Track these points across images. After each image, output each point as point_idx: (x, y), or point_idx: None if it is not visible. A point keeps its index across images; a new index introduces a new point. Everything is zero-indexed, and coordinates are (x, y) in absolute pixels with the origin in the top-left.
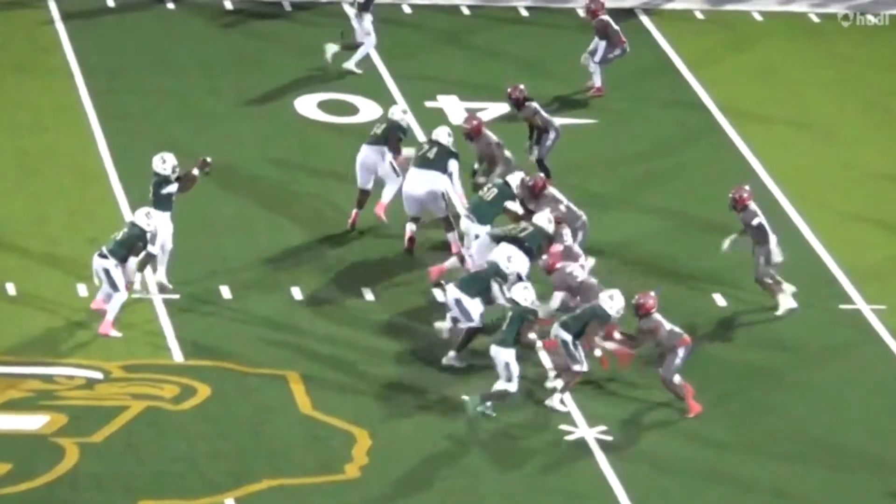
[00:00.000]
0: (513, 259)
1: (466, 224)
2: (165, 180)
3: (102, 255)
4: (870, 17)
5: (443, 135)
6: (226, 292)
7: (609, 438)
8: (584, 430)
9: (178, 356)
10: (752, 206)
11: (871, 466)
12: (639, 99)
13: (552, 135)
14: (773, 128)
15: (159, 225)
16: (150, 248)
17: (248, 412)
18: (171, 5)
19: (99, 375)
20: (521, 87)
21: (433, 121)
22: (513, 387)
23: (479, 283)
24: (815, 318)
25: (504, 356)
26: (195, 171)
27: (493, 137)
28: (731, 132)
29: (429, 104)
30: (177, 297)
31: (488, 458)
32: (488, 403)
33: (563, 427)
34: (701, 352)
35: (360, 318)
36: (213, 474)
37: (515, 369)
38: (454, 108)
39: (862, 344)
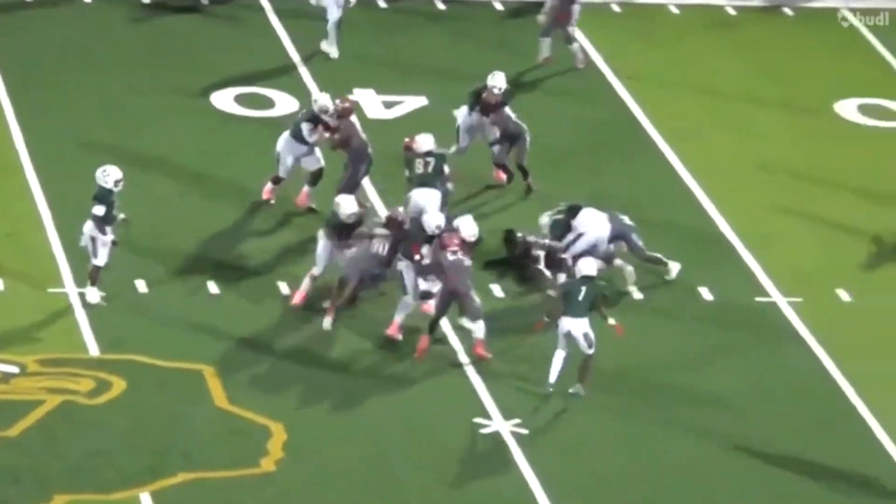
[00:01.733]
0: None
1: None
2: (108, 193)
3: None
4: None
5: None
6: (141, 286)
7: (524, 431)
8: (499, 424)
9: (93, 350)
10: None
11: (785, 452)
12: (555, 93)
13: (527, 137)
14: (689, 121)
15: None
16: (94, 261)
17: (164, 406)
18: (88, 0)
19: (14, 370)
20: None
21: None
22: (593, 350)
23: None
24: (732, 311)
25: (582, 327)
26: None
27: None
28: (648, 125)
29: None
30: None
31: (403, 452)
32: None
33: (478, 420)
34: (619, 342)
35: (276, 311)
36: (129, 468)
37: (592, 334)
38: (371, 101)
39: (778, 336)
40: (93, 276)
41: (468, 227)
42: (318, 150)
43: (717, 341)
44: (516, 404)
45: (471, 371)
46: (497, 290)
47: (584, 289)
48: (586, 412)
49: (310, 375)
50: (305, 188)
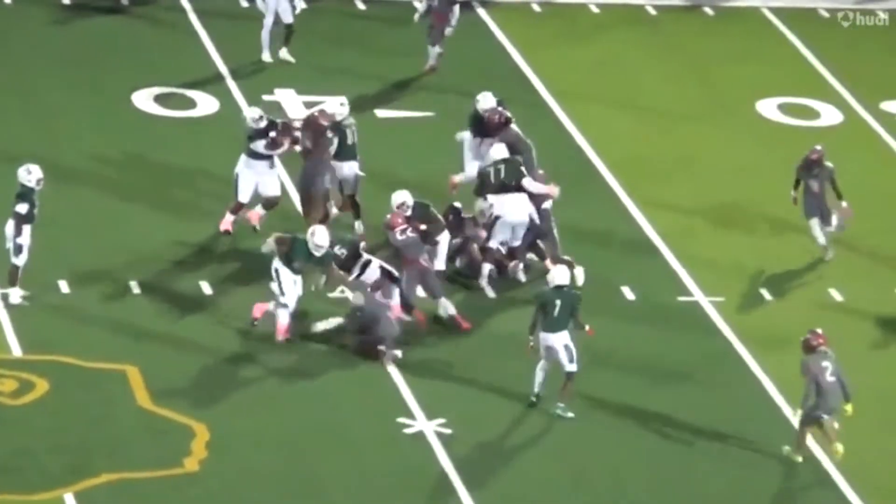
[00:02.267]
0: None
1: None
2: (31, 191)
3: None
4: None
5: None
6: (64, 286)
7: (448, 431)
8: (423, 423)
9: (16, 350)
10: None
11: (708, 451)
12: (476, 93)
13: (533, 152)
14: (610, 119)
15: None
16: (14, 260)
17: (87, 406)
18: (8, 0)
19: None
20: (501, 108)
21: (271, 115)
22: (575, 366)
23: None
24: (654, 311)
25: (562, 339)
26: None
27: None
28: (569, 124)
29: (266, 98)
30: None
31: (327, 451)
32: (560, 405)
33: (402, 420)
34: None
35: (199, 311)
36: (52, 468)
37: (573, 347)
38: (291, 101)
39: (700, 335)
40: (13, 276)
41: (398, 196)
42: (277, 172)
43: (640, 340)
44: (440, 404)
45: (394, 371)
46: (419, 290)
47: (559, 302)
48: (511, 414)
49: (233, 375)
50: (259, 208)
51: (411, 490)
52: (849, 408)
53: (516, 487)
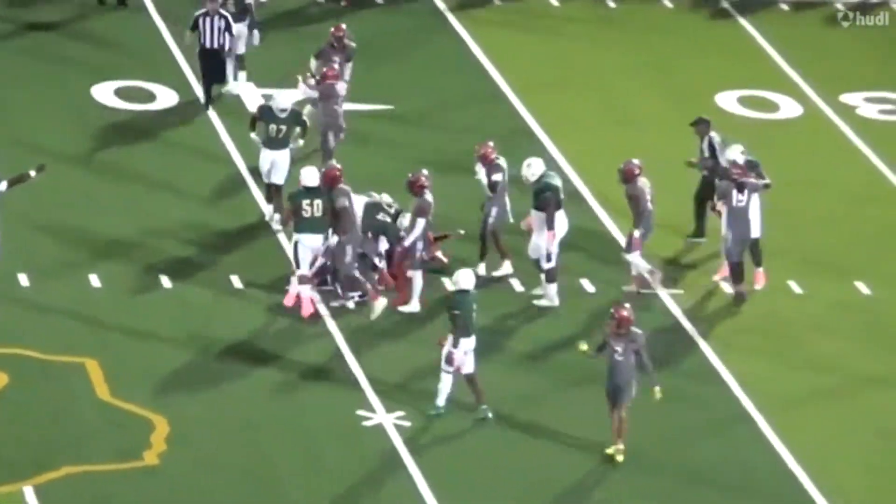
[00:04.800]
0: None
1: None
2: None
3: None
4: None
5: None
6: (23, 280)
7: (407, 424)
8: (382, 416)
9: None
10: (499, 162)
11: (671, 447)
12: (437, 90)
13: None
14: (570, 113)
15: None
16: None
17: (47, 399)
18: None
19: None
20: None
21: (230, 107)
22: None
23: None
24: (613, 303)
25: (473, 344)
26: (31, 173)
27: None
28: (530, 119)
29: (226, 90)
30: None
31: (286, 444)
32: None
33: (361, 413)
34: (500, 335)
35: (159, 304)
36: (12, 462)
37: None
38: (251, 94)
39: (660, 329)
40: None
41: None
42: (288, 159)
43: (599, 333)
44: (399, 397)
45: (354, 363)
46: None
47: (475, 306)
48: (470, 403)
49: (193, 367)
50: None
51: (370, 482)
52: (657, 392)
53: (475, 480)
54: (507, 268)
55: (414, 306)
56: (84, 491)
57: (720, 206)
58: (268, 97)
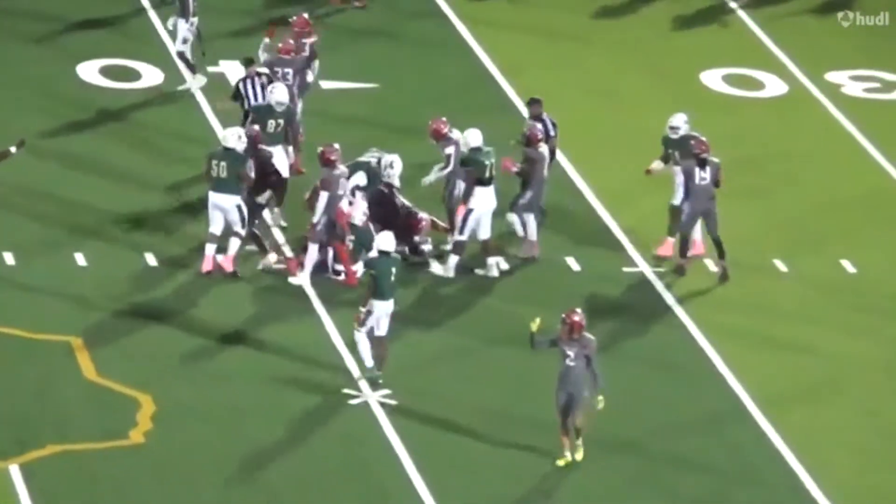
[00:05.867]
0: None
1: None
2: None
3: None
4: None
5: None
6: (9, 258)
7: (393, 402)
8: (368, 394)
9: None
10: (451, 135)
11: (651, 423)
12: (423, 70)
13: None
14: (554, 92)
15: None
16: None
17: (33, 378)
18: None
19: None
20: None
21: (217, 86)
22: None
23: None
24: (599, 281)
25: (391, 307)
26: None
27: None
28: (513, 95)
29: (211, 69)
30: None
31: (271, 423)
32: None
33: (347, 391)
34: (487, 316)
35: (144, 283)
36: None
37: None
38: (237, 73)
39: (643, 305)
40: None
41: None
42: (284, 153)
43: (587, 312)
44: (385, 375)
45: (339, 342)
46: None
47: (394, 270)
48: (456, 385)
49: (178, 346)
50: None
51: (355, 460)
52: (599, 401)
53: (460, 457)
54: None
55: (303, 279)
56: (70, 469)
57: (655, 166)
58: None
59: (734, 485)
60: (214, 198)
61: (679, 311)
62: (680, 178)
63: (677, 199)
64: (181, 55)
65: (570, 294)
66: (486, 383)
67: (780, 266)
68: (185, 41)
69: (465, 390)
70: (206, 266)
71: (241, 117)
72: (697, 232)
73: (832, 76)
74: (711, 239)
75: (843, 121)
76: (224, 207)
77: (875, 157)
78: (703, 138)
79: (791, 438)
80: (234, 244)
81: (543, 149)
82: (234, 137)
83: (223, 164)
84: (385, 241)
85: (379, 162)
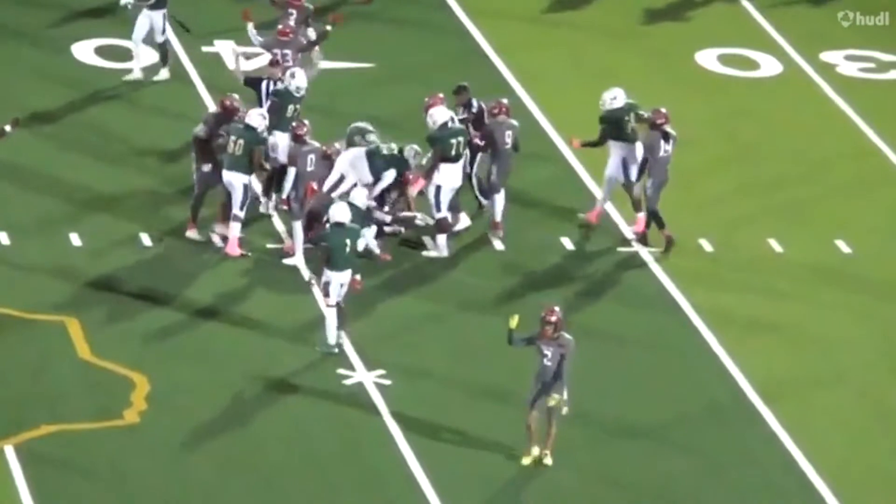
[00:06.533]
0: None
1: None
2: None
3: None
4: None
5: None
6: (3, 238)
7: (387, 382)
8: (363, 374)
9: None
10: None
11: (648, 406)
12: (418, 50)
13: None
14: (549, 73)
15: None
16: None
17: (27, 358)
18: None
19: None
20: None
21: (210, 66)
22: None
23: None
24: (593, 261)
25: (346, 278)
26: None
27: None
28: (509, 76)
29: (206, 49)
30: None
31: (265, 403)
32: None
33: (341, 371)
34: (477, 300)
35: (139, 263)
36: None
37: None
38: (231, 53)
39: (639, 285)
40: None
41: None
42: (286, 141)
43: (579, 291)
44: (379, 355)
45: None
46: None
47: (348, 241)
48: (450, 365)
49: (173, 327)
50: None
51: (350, 441)
52: (555, 399)
53: (456, 438)
54: (464, 220)
55: (297, 259)
56: (64, 449)
57: (576, 143)
58: (249, 56)
59: (728, 465)
60: (227, 175)
61: (674, 291)
62: (621, 155)
63: (613, 169)
64: (163, 45)
65: (565, 274)
66: (481, 363)
67: (775, 246)
68: (163, 31)
69: (460, 369)
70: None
71: (257, 101)
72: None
73: (827, 56)
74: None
75: (839, 101)
76: (233, 185)
77: (870, 137)
78: (663, 110)
79: (786, 420)
80: (235, 228)
81: (503, 121)
82: (257, 116)
83: (241, 141)
84: (339, 212)
85: (401, 150)
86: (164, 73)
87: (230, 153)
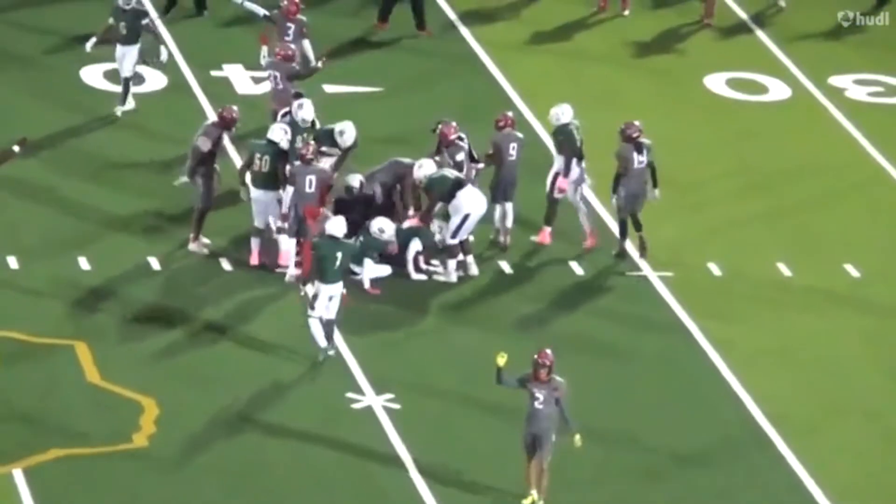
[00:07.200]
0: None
1: None
2: None
3: None
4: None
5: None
6: (13, 262)
7: (397, 406)
8: (372, 399)
9: None
10: (460, 142)
11: (656, 425)
12: (424, 71)
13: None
14: (556, 96)
15: None
16: None
17: (36, 382)
18: None
19: None
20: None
21: (220, 90)
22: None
23: None
24: (603, 285)
25: (337, 290)
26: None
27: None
28: (514, 96)
29: (214, 73)
30: None
31: (274, 426)
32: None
33: (350, 395)
34: (490, 318)
35: (147, 287)
36: (1, 444)
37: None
38: (240, 77)
39: (648, 309)
40: None
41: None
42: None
43: (589, 315)
44: (389, 379)
45: (343, 346)
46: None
47: (339, 255)
48: (460, 385)
49: (182, 350)
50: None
51: (358, 464)
52: (577, 442)
53: (465, 462)
54: (473, 268)
55: (291, 272)
56: (73, 473)
57: (561, 182)
58: (258, 80)
59: (736, 488)
60: (255, 193)
61: (683, 315)
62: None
63: (570, 192)
64: (127, 81)
65: (572, 296)
66: (490, 384)
67: (784, 270)
68: (133, 67)
69: (468, 391)
70: (254, 260)
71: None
72: (586, 223)
73: (836, 80)
74: (632, 215)
75: (847, 125)
76: (265, 202)
77: (879, 161)
78: (636, 122)
79: (793, 442)
80: (285, 241)
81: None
82: (280, 131)
83: (266, 158)
84: (335, 226)
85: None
86: (119, 110)
87: (257, 170)
